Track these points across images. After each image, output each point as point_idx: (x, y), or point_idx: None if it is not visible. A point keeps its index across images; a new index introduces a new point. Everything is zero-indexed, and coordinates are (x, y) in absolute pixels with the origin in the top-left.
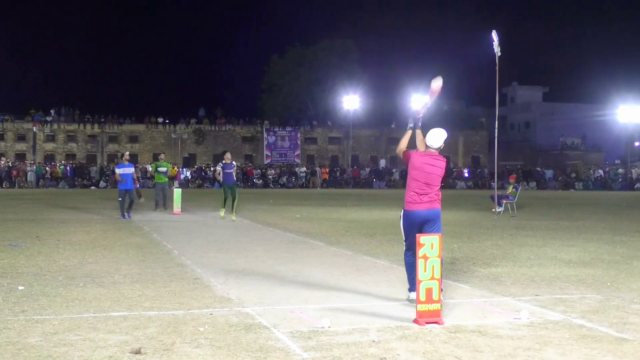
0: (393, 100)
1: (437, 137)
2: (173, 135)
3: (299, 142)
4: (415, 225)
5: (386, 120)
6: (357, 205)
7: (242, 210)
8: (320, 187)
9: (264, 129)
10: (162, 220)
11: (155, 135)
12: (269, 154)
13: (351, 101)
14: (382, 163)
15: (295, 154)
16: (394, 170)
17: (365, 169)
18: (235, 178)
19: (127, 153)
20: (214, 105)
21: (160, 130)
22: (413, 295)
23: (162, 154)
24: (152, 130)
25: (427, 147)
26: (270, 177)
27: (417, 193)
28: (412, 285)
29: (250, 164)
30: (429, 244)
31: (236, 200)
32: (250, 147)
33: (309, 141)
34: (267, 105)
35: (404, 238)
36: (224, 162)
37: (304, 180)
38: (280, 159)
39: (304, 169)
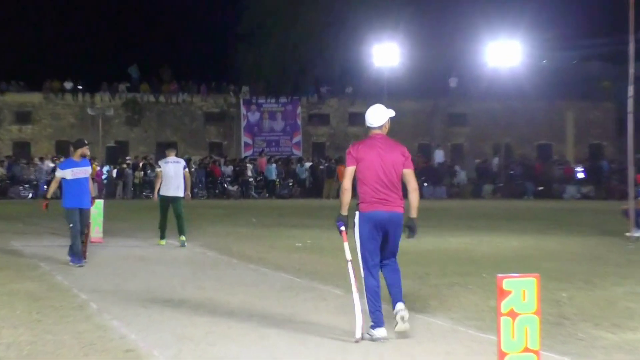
0: (453, 51)
1: (375, 113)
2: (90, 112)
3: (299, 122)
4: (377, 228)
5: (442, 86)
6: None
7: (203, 235)
8: (335, 197)
9: (242, 100)
10: None
11: (59, 110)
12: (250, 141)
13: (386, 54)
14: (438, 156)
15: (294, 141)
16: (456, 168)
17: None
18: (184, 185)
19: (85, 144)
20: (158, 62)
21: (69, 103)
22: (379, 332)
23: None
24: (54, 103)
25: (368, 128)
26: (251, 179)
27: (371, 192)
28: (378, 319)
29: (217, 159)
30: (517, 290)
31: (182, 220)
32: (218, 130)
33: (317, 120)
34: (246, 62)
35: (361, 255)
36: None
37: (308, 182)
38: (268, 149)
39: (308, 165)
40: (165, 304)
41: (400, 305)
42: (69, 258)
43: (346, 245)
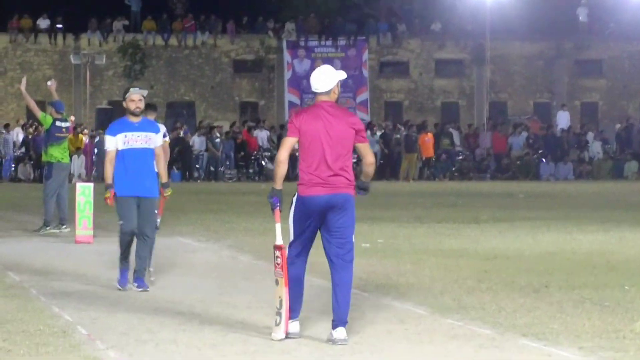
0: None
1: (322, 76)
2: (74, 60)
3: (366, 73)
4: (312, 216)
5: (568, 20)
6: (503, 220)
7: (233, 232)
8: (414, 178)
9: (285, 43)
10: (50, 257)
11: (31, 58)
12: (297, 100)
13: None
14: (563, 120)
15: (359, 99)
16: (588, 136)
17: (521, 133)
18: (159, 172)
19: (139, 93)
20: None
21: (45, 48)
22: (291, 327)
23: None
24: (24, 48)
25: (314, 93)
26: (298, 153)
27: (311, 173)
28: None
29: (252, 125)
30: None
31: (153, 243)
32: (252, 85)
33: (390, 69)
34: None
35: (291, 237)
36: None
37: (379, 158)
38: None
39: (379, 133)
40: (179, 328)
41: (339, 333)
42: (117, 278)
43: (278, 227)
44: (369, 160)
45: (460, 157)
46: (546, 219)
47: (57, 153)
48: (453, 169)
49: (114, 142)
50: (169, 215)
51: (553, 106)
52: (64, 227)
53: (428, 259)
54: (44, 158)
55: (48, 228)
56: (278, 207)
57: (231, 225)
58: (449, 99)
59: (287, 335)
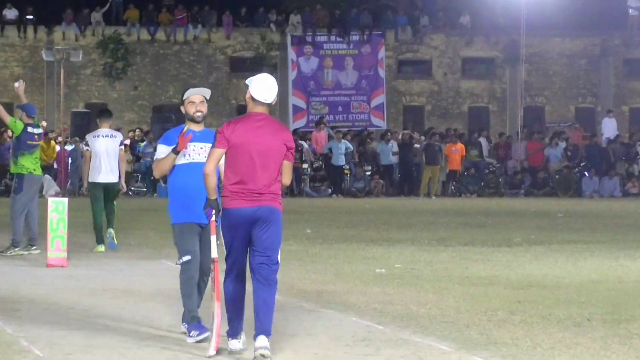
0: None
1: (271, 86)
2: (46, 56)
3: (382, 73)
4: (238, 230)
5: (616, 15)
6: (539, 243)
7: None
8: (436, 194)
9: (290, 38)
10: (18, 283)
11: None
12: (302, 104)
13: None
14: (609, 128)
15: (374, 103)
16: (639, 146)
17: (559, 143)
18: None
19: (200, 94)
20: None
21: (13, 43)
22: (232, 344)
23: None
24: None
25: (254, 102)
26: (305, 164)
27: (237, 185)
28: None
29: None
30: None
31: (114, 215)
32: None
33: (409, 68)
34: None
35: (225, 254)
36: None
37: (396, 170)
38: (332, 116)
39: (393, 144)
40: None
41: (261, 341)
42: (183, 325)
43: (213, 239)
44: (287, 181)
45: (490, 170)
46: (589, 242)
47: (28, 163)
48: (482, 184)
49: (164, 152)
50: (155, 236)
51: (598, 112)
52: (34, 248)
53: (453, 287)
54: (12, 169)
55: (16, 249)
56: (213, 218)
57: None
58: (477, 103)
59: (229, 352)
